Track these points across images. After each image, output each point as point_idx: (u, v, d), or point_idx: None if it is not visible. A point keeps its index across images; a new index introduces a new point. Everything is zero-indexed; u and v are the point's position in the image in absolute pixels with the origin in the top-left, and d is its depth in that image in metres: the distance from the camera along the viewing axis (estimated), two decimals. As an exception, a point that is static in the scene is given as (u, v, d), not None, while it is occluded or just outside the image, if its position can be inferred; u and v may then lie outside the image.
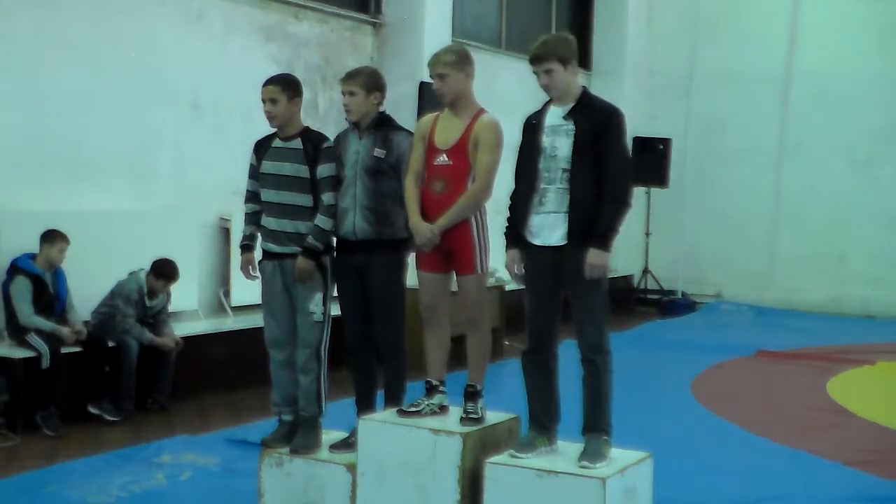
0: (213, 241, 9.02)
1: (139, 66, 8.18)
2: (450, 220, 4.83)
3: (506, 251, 4.78)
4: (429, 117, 5.06)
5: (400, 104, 9.31)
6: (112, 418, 7.17)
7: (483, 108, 4.99)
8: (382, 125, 5.18)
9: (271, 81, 5.18)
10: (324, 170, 5.08)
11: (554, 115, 4.64)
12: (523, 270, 4.74)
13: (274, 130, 5.20)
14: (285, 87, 5.14)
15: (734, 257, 14.51)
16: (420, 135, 5.00)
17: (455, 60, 4.89)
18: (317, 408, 5.12)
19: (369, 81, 5.17)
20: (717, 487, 5.86)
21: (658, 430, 6.73)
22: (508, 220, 4.77)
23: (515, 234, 4.72)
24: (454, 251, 4.89)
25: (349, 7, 10.55)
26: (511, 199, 4.78)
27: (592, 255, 4.48)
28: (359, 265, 5.12)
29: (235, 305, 8.89)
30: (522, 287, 4.81)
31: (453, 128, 4.90)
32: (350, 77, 5.19)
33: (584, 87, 4.72)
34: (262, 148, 5.25)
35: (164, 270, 7.57)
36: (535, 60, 4.60)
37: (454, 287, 5.03)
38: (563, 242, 4.56)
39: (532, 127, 4.70)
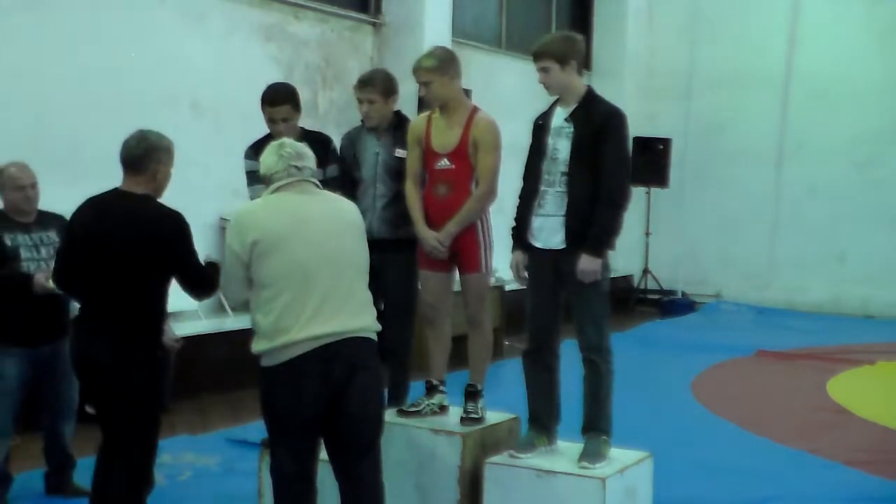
0: (213, 241, 9.00)
1: (139, 66, 8.17)
2: (458, 227, 4.80)
3: (512, 252, 4.78)
4: (421, 119, 5.00)
5: (400, 104, 9.28)
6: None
7: (476, 105, 4.96)
8: (401, 125, 5.17)
9: (281, 101, 5.07)
10: (331, 170, 5.09)
11: (558, 117, 4.64)
12: (526, 273, 4.73)
13: (267, 133, 5.14)
14: (295, 103, 5.12)
15: (734, 257, 14.49)
16: (415, 139, 4.95)
17: (437, 66, 4.79)
18: (317, 408, 5.10)
19: (386, 86, 5.16)
20: (717, 487, 5.86)
21: (658, 430, 6.71)
22: (515, 220, 4.76)
23: (521, 235, 4.72)
24: (460, 250, 4.87)
25: (349, 7, 10.54)
26: (519, 198, 4.76)
27: (584, 261, 4.48)
28: (372, 264, 5.11)
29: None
30: (523, 287, 4.81)
31: (450, 131, 4.85)
32: (366, 85, 5.14)
33: (589, 87, 4.68)
34: (259, 152, 5.21)
35: None
36: (534, 58, 4.61)
37: (456, 286, 5.03)
38: (562, 246, 4.56)
39: (539, 128, 4.70)
